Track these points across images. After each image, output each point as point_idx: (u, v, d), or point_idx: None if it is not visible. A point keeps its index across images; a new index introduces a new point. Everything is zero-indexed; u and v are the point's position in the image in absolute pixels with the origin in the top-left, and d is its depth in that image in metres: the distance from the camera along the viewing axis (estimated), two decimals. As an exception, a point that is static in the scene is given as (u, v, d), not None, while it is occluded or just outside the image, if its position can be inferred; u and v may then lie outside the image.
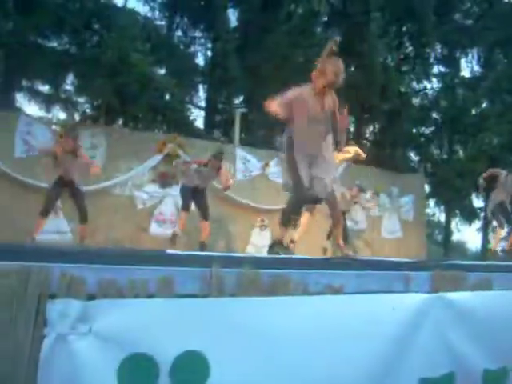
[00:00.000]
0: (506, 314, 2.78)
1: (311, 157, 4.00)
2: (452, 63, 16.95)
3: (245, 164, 11.00)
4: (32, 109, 14.64)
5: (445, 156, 16.76)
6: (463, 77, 17.21)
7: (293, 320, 2.29)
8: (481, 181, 9.06)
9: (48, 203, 7.12)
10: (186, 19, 15.05)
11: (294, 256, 4.12)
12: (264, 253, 5.98)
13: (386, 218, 12.96)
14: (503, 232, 9.27)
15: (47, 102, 13.69)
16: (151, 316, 2.08)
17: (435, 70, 17.24)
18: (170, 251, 3.84)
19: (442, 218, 18.91)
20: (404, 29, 16.05)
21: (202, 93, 15.75)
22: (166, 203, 9.88)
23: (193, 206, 8.11)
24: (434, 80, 17.20)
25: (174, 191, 9.38)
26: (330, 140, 4.17)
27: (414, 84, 16.63)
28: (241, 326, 2.20)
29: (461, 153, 16.50)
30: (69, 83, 13.23)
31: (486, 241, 16.53)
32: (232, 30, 13.97)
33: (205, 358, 2.10)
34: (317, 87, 3.96)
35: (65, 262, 2.10)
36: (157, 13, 15.01)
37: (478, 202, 16.75)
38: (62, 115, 13.81)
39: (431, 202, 17.54)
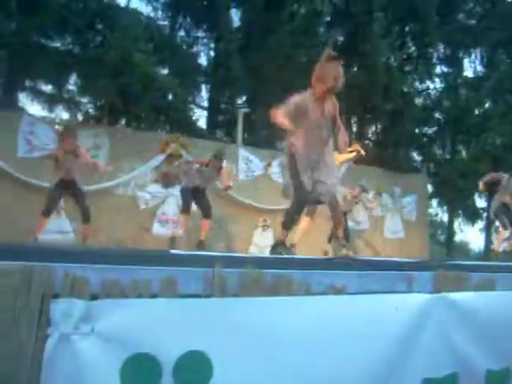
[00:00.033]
0: (508, 314, 2.77)
1: (313, 161, 4.00)
2: (455, 63, 16.92)
3: (247, 164, 11.00)
4: (35, 109, 14.73)
5: (448, 156, 16.73)
6: (466, 77, 17.18)
7: (295, 320, 2.29)
8: (481, 186, 9.08)
9: (50, 203, 7.14)
10: (188, 19, 15.06)
11: (296, 256, 4.12)
12: (266, 253, 5.98)
13: (389, 218, 12.96)
14: (506, 233, 9.26)
15: (50, 101, 13.72)
16: (154, 316, 2.08)
17: (438, 70, 17.23)
18: (173, 251, 3.85)
19: (445, 218, 18.90)
20: (407, 29, 16.04)
21: (204, 93, 15.77)
22: (169, 203, 9.90)
23: (194, 206, 8.12)
24: (437, 80, 17.18)
25: (177, 191, 9.37)
26: (331, 144, 4.17)
27: (417, 84, 16.60)
28: (243, 326, 2.20)
29: (464, 153, 16.47)
30: (72, 83, 13.27)
31: (488, 241, 16.50)
32: (235, 30, 13.96)
33: (208, 358, 2.10)
34: (317, 93, 3.96)
35: (68, 262, 2.11)
36: (160, 13, 15.03)
37: (480, 203, 16.76)
38: (65, 115, 13.88)
39: (434, 202, 17.53)
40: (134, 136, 10.40)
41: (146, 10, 14.45)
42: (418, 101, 16.40)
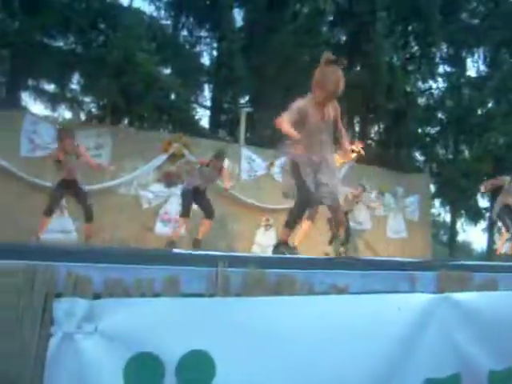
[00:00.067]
0: (511, 314, 2.77)
1: (315, 164, 4.01)
2: (458, 63, 16.89)
3: (250, 164, 11.01)
4: (38, 108, 14.72)
5: (450, 156, 16.72)
6: (469, 76, 17.15)
7: (298, 320, 2.29)
8: (482, 190, 9.09)
9: (52, 203, 7.17)
10: (191, 19, 15.08)
11: (299, 256, 4.12)
12: (269, 252, 5.99)
13: (391, 217, 12.95)
14: (509, 234, 9.26)
15: (53, 101, 13.73)
16: (157, 315, 2.08)
17: (441, 69, 17.21)
18: (176, 250, 3.85)
19: (448, 218, 18.89)
20: (410, 28, 16.01)
21: (207, 92, 15.80)
22: (172, 203, 9.90)
23: (195, 205, 8.10)
24: (440, 80, 17.16)
25: (180, 191, 9.39)
26: (332, 147, 4.19)
27: (420, 84, 16.59)
28: (246, 326, 2.20)
29: (466, 153, 16.45)
30: (74, 83, 13.30)
31: (491, 241, 16.49)
32: (237, 30, 13.98)
33: (210, 357, 2.10)
34: (317, 97, 3.95)
35: (71, 261, 2.11)
36: (162, 12, 15.06)
37: (483, 203, 16.74)
38: (68, 114, 13.88)
39: (436, 202, 17.52)
40: (136, 135, 10.42)
41: (148, 9, 14.47)
42: (421, 100, 16.38)
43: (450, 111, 15.80)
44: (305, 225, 6.67)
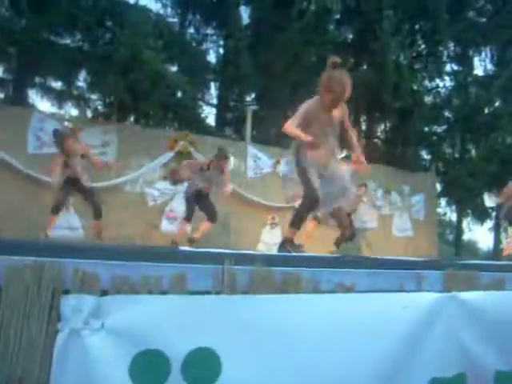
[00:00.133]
0: (518, 314, 2.76)
1: (320, 168, 4.02)
2: (465, 61, 16.80)
3: (256, 161, 11.00)
4: (44, 105, 14.79)
5: (457, 155, 16.64)
6: (476, 75, 17.04)
7: (304, 318, 2.30)
8: (500, 202, 9.03)
9: (58, 201, 7.21)
10: (198, 16, 15.06)
11: (305, 254, 4.12)
12: (274, 250, 5.99)
13: (397, 216, 12.92)
14: None
15: (60, 98, 13.78)
16: (163, 312, 2.09)
17: (448, 68, 17.09)
18: (182, 248, 3.86)
19: (454, 217, 18.79)
20: (417, 27, 15.92)
21: (213, 90, 15.77)
22: (177, 200, 9.90)
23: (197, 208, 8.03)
24: (447, 78, 17.04)
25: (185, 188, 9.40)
26: (338, 151, 4.19)
27: (427, 82, 16.48)
28: (252, 323, 2.20)
29: (473, 152, 16.36)
30: (81, 80, 13.32)
31: (497, 240, 16.42)
32: (244, 28, 13.94)
33: (217, 354, 2.10)
34: (324, 101, 3.95)
35: (78, 258, 2.12)
36: (169, 10, 15.02)
37: (489, 202, 16.66)
38: (75, 112, 13.94)
39: (443, 201, 17.43)
40: (142, 133, 10.44)
41: (155, 7, 14.47)
42: (428, 99, 16.29)
43: (456, 110, 15.71)
44: (310, 225, 6.66)
